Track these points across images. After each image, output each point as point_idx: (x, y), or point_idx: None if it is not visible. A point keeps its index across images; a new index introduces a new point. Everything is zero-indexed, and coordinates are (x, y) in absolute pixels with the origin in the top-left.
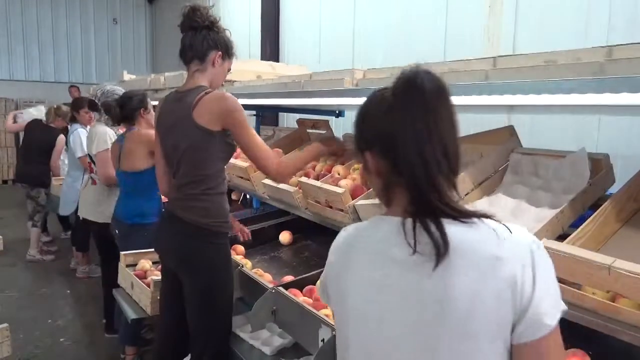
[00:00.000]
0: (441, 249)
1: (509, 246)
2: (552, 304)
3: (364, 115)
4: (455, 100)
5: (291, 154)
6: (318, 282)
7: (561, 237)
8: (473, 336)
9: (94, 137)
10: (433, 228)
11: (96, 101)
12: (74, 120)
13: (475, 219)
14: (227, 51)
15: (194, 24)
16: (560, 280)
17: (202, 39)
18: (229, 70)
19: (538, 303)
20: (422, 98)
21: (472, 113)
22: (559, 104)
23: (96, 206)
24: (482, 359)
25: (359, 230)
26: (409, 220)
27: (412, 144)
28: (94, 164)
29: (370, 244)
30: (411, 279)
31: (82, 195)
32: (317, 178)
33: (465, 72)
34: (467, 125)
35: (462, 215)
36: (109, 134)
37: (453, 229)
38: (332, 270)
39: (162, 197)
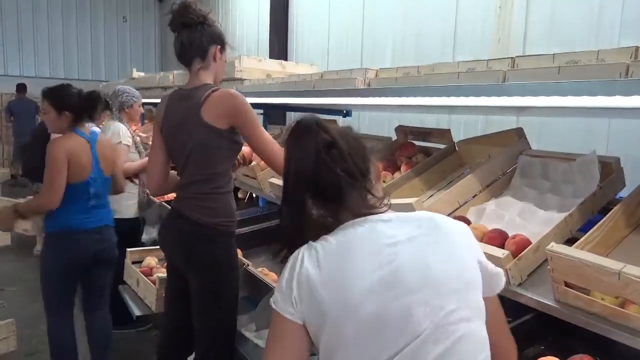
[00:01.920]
0: None
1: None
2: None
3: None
4: (474, 101)
5: None
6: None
7: (569, 241)
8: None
9: (107, 132)
10: None
11: (109, 101)
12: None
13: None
14: (223, 44)
15: (187, 21)
16: (569, 285)
17: (200, 35)
18: (225, 61)
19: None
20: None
21: (484, 114)
22: (583, 106)
23: None
24: None
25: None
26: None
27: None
28: None
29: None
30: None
31: None
32: None
33: (483, 72)
34: (476, 126)
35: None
36: (122, 129)
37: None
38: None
39: (152, 195)
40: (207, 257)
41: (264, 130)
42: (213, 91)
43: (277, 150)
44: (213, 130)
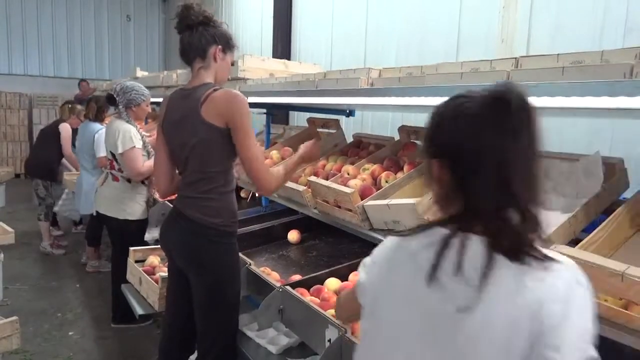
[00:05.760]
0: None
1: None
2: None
3: (440, 121)
4: None
5: (275, 167)
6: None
7: (573, 242)
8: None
9: (117, 134)
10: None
11: (115, 96)
12: (98, 118)
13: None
14: (227, 45)
15: (189, 22)
16: None
17: (200, 36)
18: (232, 64)
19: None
20: (511, 120)
21: None
22: (587, 106)
23: (118, 203)
24: None
25: (402, 240)
26: (458, 237)
27: (494, 168)
28: (116, 161)
29: (406, 252)
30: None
31: (100, 192)
32: (327, 177)
33: (486, 72)
34: None
35: (535, 260)
36: (132, 131)
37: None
38: (373, 280)
39: (161, 197)
40: (208, 258)
41: (255, 141)
42: (214, 90)
43: (262, 166)
44: (213, 128)
